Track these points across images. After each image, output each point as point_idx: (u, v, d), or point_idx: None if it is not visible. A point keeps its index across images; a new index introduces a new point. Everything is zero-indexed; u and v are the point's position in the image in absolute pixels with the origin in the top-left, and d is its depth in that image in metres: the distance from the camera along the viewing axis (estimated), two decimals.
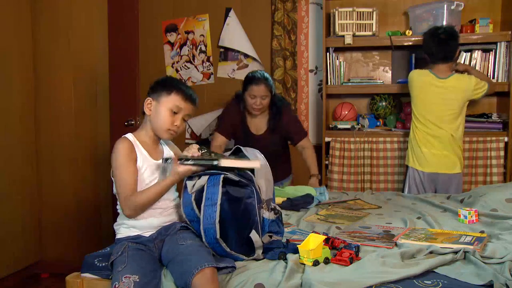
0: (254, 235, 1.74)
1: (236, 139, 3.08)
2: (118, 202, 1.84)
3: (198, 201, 1.75)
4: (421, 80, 2.99)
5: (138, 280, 1.56)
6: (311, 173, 3.00)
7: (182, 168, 1.74)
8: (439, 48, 2.95)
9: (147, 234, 1.79)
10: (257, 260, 1.75)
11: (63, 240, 3.76)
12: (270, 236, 1.85)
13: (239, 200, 1.75)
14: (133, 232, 1.79)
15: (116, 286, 1.55)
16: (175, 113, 1.84)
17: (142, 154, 1.82)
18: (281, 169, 3.10)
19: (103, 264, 1.74)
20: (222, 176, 1.74)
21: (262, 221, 1.83)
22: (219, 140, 3.02)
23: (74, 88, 3.74)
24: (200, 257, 1.60)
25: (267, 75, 2.91)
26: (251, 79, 2.87)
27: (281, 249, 1.76)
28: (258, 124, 3.03)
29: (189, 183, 1.78)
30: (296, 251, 1.72)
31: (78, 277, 1.76)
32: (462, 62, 3.31)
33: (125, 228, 1.81)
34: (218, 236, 1.68)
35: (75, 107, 3.74)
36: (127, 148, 1.79)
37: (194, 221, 1.76)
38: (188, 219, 1.78)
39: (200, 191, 1.75)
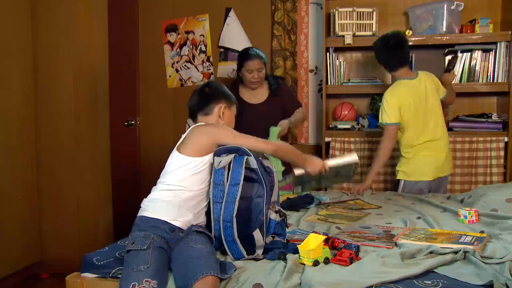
0: (257, 234, 1.75)
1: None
2: (168, 182, 1.84)
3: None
4: (405, 92, 2.87)
5: (156, 286, 1.55)
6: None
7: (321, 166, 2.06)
8: (393, 54, 2.90)
9: (176, 224, 1.77)
10: (256, 260, 1.75)
11: (63, 240, 3.76)
12: (273, 237, 1.86)
13: (248, 199, 1.78)
14: (165, 217, 1.77)
15: (135, 287, 1.53)
16: None
17: None
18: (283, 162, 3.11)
19: (102, 263, 1.74)
20: (245, 157, 1.82)
21: (268, 222, 1.84)
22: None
23: (74, 88, 3.73)
24: (207, 263, 1.60)
25: (258, 50, 3.10)
26: (246, 56, 3.06)
27: (281, 249, 1.76)
28: (256, 95, 3.15)
29: (216, 159, 1.85)
30: (296, 251, 1.72)
31: (78, 277, 1.76)
32: (462, 62, 3.31)
33: (158, 208, 1.79)
34: (234, 214, 1.75)
35: (75, 107, 3.74)
36: None
37: (218, 202, 1.81)
38: (213, 200, 1.82)
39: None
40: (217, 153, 1.88)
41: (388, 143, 2.88)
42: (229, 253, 1.78)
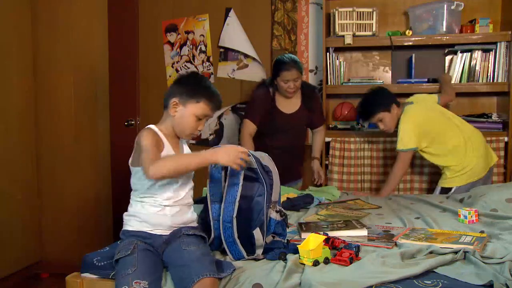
0: (257, 233, 1.75)
1: (265, 121, 3.13)
2: (135, 194, 1.81)
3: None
4: (419, 111, 2.92)
5: (147, 286, 1.55)
6: (314, 155, 3.18)
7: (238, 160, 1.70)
8: (389, 93, 3.04)
9: (158, 232, 1.76)
10: (256, 260, 1.75)
11: (63, 240, 3.76)
12: (273, 237, 1.85)
13: (249, 198, 1.78)
14: (145, 228, 1.75)
15: None
16: (199, 119, 1.84)
17: (167, 145, 1.81)
18: (293, 170, 3.15)
19: (102, 264, 1.73)
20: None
21: (268, 221, 1.83)
22: (250, 128, 3.11)
23: (74, 88, 3.74)
24: (201, 266, 1.59)
25: (294, 57, 3.05)
26: (281, 65, 2.98)
27: (282, 249, 1.76)
28: (290, 104, 3.14)
29: None
30: (296, 251, 1.72)
31: (78, 277, 1.76)
32: (462, 62, 3.31)
33: (137, 222, 1.77)
34: (234, 215, 1.74)
35: (75, 107, 3.74)
36: (154, 135, 1.78)
37: (216, 202, 1.81)
38: (211, 199, 1.82)
39: None
40: None
41: (401, 169, 2.91)
42: (229, 253, 1.77)
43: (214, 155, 1.70)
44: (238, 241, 1.75)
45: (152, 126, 1.83)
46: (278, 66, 3.01)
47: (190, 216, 1.86)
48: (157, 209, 1.77)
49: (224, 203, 1.78)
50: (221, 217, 1.78)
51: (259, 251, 1.76)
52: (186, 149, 1.94)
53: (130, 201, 1.84)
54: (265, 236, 1.80)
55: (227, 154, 1.69)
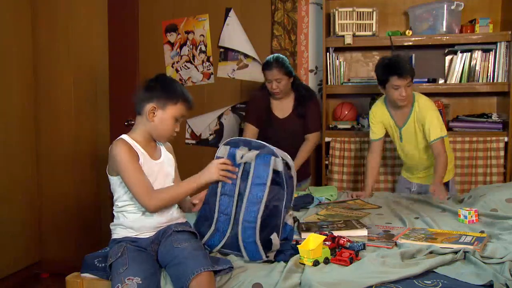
0: (274, 237, 1.72)
1: (262, 122, 3.10)
2: (116, 204, 1.81)
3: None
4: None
5: (140, 282, 1.55)
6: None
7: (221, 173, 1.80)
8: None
9: (145, 236, 1.77)
10: (270, 262, 1.72)
11: (63, 240, 3.77)
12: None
13: (269, 201, 1.74)
14: (131, 233, 1.77)
15: (119, 287, 1.55)
16: (177, 120, 1.84)
17: (142, 154, 1.79)
18: (302, 169, 3.13)
19: (103, 265, 1.73)
20: (272, 158, 1.74)
21: (284, 227, 1.79)
22: (250, 130, 3.09)
23: (74, 88, 3.74)
24: (196, 261, 1.59)
25: (280, 57, 2.97)
26: (264, 65, 2.98)
27: (291, 251, 1.74)
28: (283, 108, 3.10)
29: (238, 153, 1.80)
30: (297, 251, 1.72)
31: (78, 277, 1.76)
32: (462, 62, 3.31)
33: (122, 229, 1.79)
34: (259, 215, 1.70)
35: (75, 107, 3.74)
36: (128, 149, 1.75)
37: (227, 195, 1.78)
38: (221, 191, 1.80)
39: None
40: (231, 143, 1.84)
41: (447, 157, 2.71)
42: (244, 253, 1.73)
43: (200, 179, 1.81)
44: (259, 242, 1.70)
45: (124, 137, 1.81)
46: (262, 67, 3.01)
47: (175, 213, 1.86)
48: (139, 214, 1.78)
49: (246, 202, 1.74)
50: (241, 215, 1.73)
51: (272, 254, 1.73)
52: (164, 151, 1.91)
53: (113, 212, 1.84)
54: (280, 240, 1.77)
55: (210, 171, 1.81)
